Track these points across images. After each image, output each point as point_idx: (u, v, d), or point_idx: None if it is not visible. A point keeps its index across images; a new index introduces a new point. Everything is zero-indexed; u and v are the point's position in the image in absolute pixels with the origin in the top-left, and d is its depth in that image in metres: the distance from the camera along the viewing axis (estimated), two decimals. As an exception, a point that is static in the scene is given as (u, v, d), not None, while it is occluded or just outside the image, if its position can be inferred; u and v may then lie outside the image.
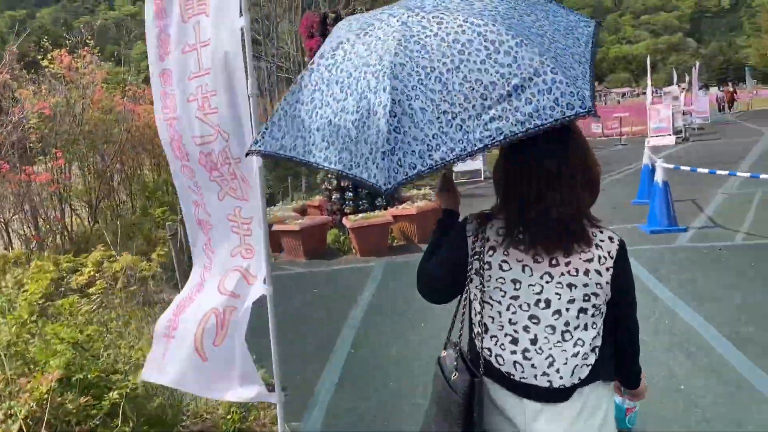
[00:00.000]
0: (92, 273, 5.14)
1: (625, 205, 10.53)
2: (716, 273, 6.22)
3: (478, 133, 1.42)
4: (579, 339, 1.66)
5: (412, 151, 1.42)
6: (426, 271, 1.81)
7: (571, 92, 1.40)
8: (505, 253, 1.68)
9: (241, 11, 2.47)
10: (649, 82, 24.59)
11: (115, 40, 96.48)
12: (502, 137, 1.41)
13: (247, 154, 1.94)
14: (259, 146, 1.77)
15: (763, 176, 7.41)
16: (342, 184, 9.12)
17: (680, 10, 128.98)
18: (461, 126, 1.43)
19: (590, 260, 1.65)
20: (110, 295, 4.89)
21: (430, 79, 1.47)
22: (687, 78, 37.70)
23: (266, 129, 1.77)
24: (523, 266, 1.67)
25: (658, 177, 8.23)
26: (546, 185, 1.59)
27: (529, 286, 1.67)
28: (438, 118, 1.44)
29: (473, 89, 1.44)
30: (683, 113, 24.11)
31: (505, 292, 1.69)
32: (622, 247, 1.69)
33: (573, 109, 1.39)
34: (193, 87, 2.67)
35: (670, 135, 21.80)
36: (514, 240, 1.66)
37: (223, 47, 2.52)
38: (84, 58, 8.78)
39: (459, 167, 17.72)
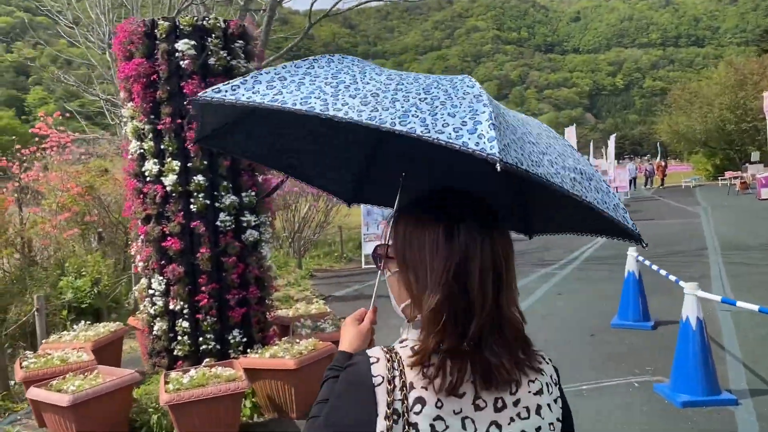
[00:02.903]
0: None
1: (604, 329, 7.40)
2: None
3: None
4: None
5: (508, 143, 1.08)
6: None
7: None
8: (438, 404, 1.07)
9: None
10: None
11: (13, 84, 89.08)
12: None
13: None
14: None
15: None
16: (173, 308, 5.32)
17: (579, 87, 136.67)
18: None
19: (539, 392, 1.17)
20: None
21: None
22: (603, 151, 37.20)
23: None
24: (463, 420, 1.09)
25: (690, 314, 5.09)
26: (498, 280, 1.12)
27: None
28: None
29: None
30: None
31: None
32: (555, 368, 1.25)
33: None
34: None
35: (602, 213, 19.61)
36: (450, 382, 1.08)
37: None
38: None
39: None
